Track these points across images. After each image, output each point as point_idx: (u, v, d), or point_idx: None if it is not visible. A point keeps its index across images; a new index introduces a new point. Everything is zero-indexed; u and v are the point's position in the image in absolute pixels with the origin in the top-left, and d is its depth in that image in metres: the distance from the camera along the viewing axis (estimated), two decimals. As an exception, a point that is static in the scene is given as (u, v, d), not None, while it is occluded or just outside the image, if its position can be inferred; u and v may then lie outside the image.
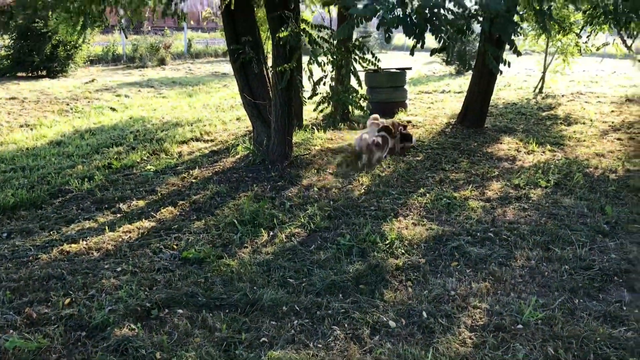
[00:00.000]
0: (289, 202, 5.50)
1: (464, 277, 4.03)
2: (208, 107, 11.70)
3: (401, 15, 4.07)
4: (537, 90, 14.37)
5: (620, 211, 5.39)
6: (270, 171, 6.43)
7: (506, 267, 4.19)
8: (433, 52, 5.07)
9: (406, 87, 11.38)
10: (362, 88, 6.22)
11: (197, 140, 8.40)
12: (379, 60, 6.07)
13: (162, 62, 22.34)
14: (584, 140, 8.97)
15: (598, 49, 11.60)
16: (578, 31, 10.53)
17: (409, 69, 11.61)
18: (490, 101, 12.79)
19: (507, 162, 7.43)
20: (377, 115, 8.17)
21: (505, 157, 7.71)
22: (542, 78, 14.39)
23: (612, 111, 11.60)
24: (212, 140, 8.33)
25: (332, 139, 8.66)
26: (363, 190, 5.95)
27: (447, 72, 20.98)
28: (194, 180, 6.31)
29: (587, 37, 10.34)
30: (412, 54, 4.96)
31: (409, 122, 10.26)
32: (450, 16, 4.81)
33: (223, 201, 5.62)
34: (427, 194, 5.83)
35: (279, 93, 6.08)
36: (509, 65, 5.46)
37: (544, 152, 8.09)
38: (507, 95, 14.17)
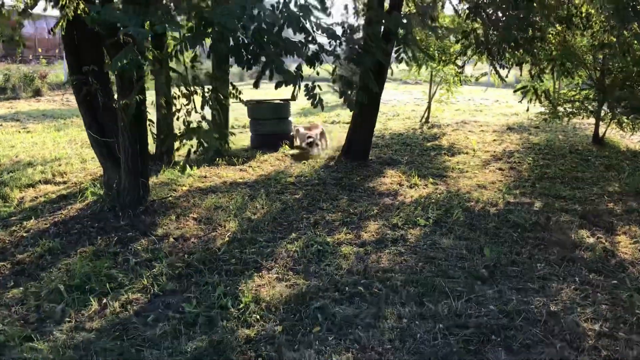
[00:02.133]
0: (134, 259, 4.69)
1: (324, 348, 3.42)
2: (74, 143, 10.55)
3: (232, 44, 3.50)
4: (423, 120, 14.44)
5: (500, 251, 5.08)
6: (120, 219, 5.57)
7: (374, 329, 3.64)
8: (278, 85, 4.52)
9: (291, 118, 10.89)
10: (221, 122, 5.56)
11: (47, 182, 7.34)
12: (240, 93, 5.48)
13: (37, 93, 20.53)
14: (467, 171, 8.86)
15: (477, 79, 11.78)
16: (459, 62, 10.59)
17: (293, 99, 11.12)
18: (376, 132, 12.68)
19: (389, 198, 7.05)
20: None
21: (387, 192, 7.34)
22: (428, 108, 14.50)
23: (494, 140, 11.76)
24: (64, 183, 7.30)
25: (206, 177, 7.92)
26: (227, 239, 5.25)
27: (339, 102, 20.92)
28: (25, 234, 5.31)
29: (462, 66, 10.39)
30: (255, 86, 4.49)
31: (292, 155, 9.77)
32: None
33: (54, 260, 4.70)
34: (298, 240, 5.23)
35: (126, 129, 5.30)
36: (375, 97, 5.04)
37: (426, 185, 7.82)
38: (394, 126, 14.11)
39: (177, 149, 5.83)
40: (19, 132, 12.69)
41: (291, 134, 10.84)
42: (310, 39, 4.22)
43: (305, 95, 4.71)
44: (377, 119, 15.97)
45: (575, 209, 6.66)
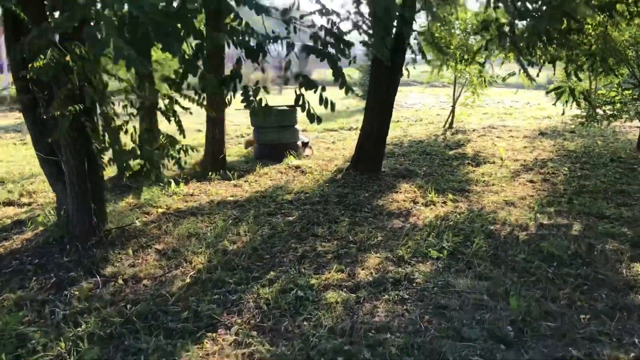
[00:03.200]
0: (64, 310, 3.72)
1: None
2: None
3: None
4: (446, 126, 13.30)
5: (531, 297, 3.97)
6: (65, 254, 4.63)
7: None
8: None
9: (297, 126, 9.89)
10: (183, 136, 4.57)
11: (10, 204, 6.48)
12: (203, 99, 4.49)
13: None
14: (493, 184, 7.73)
15: (504, 79, 10.58)
16: (482, 61, 9.45)
17: (300, 106, 10.13)
18: (394, 139, 11.60)
19: (398, 220, 5.99)
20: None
21: (397, 212, 6.28)
22: (452, 112, 13.36)
23: (525, 147, 10.56)
24: (29, 204, 6.43)
25: (192, 195, 6.98)
26: (188, 280, 4.25)
27: (360, 106, 19.87)
28: (-51, 273, 4.42)
29: (482, 64, 9.23)
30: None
31: (297, 167, 8.77)
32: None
33: (-33, 311, 3.78)
34: (276, 281, 4.20)
35: (68, 144, 4.36)
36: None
37: (444, 202, 6.73)
38: (415, 132, 13.00)
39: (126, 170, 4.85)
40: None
41: (297, 142, 9.86)
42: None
43: (242, 101, 3.76)
44: (398, 125, 14.97)
45: (624, 233, 5.50)
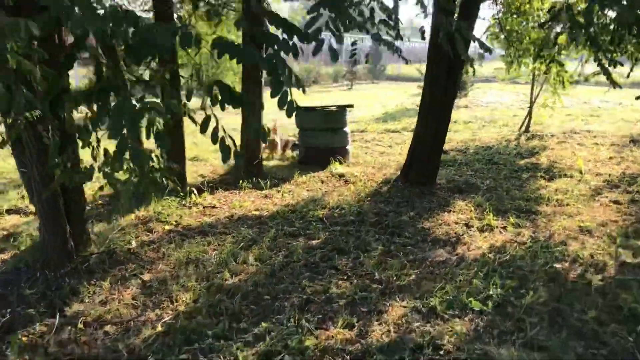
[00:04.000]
0: (-5, 364, 3.06)
1: None
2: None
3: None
4: (522, 129, 11.90)
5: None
6: (32, 284, 3.98)
7: None
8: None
9: (347, 129, 8.96)
10: (163, 154, 3.77)
11: (17, 211, 6.01)
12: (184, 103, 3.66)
13: None
14: (567, 205, 6.50)
15: (586, 78, 9.13)
16: (562, 57, 8.12)
17: (350, 106, 9.21)
18: (460, 144, 10.40)
19: (444, 250, 4.98)
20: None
21: (445, 239, 5.26)
22: (529, 114, 11.94)
23: (611, 158, 9.10)
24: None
25: (215, 207, 6.25)
26: (160, 328, 3.48)
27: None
28: None
29: (561, 63, 7.87)
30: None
31: (341, 175, 7.86)
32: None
33: None
34: (263, 339, 3.34)
35: (31, 156, 3.70)
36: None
37: (504, 227, 5.63)
38: (486, 135, 11.70)
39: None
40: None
41: (347, 147, 8.93)
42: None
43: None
44: (469, 127, 13.64)
45: None
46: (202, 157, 9.05)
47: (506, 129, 12.61)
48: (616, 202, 6.58)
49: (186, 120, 3.99)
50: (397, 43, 4.31)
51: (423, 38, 4.85)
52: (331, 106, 9.04)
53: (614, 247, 5.05)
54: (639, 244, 5.12)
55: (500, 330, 3.49)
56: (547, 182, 7.60)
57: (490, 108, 17.83)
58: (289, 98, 2.83)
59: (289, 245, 5.01)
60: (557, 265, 4.59)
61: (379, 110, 16.83)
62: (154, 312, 3.68)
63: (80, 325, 3.47)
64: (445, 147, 10.23)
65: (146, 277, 4.21)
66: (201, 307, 3.71)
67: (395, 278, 4.26)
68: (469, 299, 3.84)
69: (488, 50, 4.58)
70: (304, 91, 3.08)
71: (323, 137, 8.68)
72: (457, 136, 11.48)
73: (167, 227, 5.35)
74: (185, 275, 4.24)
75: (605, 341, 3.38)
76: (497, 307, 3.78)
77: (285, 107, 2.84)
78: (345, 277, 4.30)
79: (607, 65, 5.25)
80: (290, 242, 5.11)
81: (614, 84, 5.76)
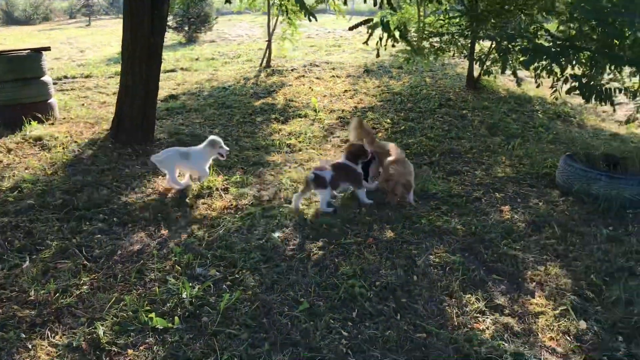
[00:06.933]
0: None
1: None
2: None
3: None
4: (263, 64, 11.22)
5: None
6: None
7: None
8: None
9: (46, 78, 7.18)
10: None
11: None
12: None
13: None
14: (300, 150, 5.97)
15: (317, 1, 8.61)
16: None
17: (47, 49, 7.40)
18: (195, 86, 9.30)
19: (145, 233, 3.94)
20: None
21: (149, 217, 4.22)
22: (268, 47, 11.26)
23: (346, 91, 8.88)
24: None
25: None
26: None
27: (177, 40, 17.07)
28: None
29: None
30: None
31: (38, 139, 6.23)
32: None
33: None
34: None
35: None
36: None
37: (226, 189, 4.78)
38: (226, 73, 10.73)
39: None
40: None
41: (49, 101, 7.18)
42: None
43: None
44: (211, 64, 12.45)
45: (453, 230, 3.98)
46: None
47: (248, 65, 11.83)
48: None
49: None
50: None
51: None
52: (20, 50, 7.14)
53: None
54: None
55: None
56: (281, 125, 6.99)
57: (237, 42, 16.96)
58: None
59: None
60: (276, 235, 3.89)
61: (114, 50, 14.79)
62: None
63: None
64: (177, 91, 9.09)
65: None
66: None
67: (58, 295, 3.11)
68: (150, 316, 2.88)
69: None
70: None
71: (10, 91, 6.81)
72: (193, 77, 10.35)
73: None
74: None
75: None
76: (188, 320, 2.90)
77: None
78: (-18, 308, 3.01)
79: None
80: None
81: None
